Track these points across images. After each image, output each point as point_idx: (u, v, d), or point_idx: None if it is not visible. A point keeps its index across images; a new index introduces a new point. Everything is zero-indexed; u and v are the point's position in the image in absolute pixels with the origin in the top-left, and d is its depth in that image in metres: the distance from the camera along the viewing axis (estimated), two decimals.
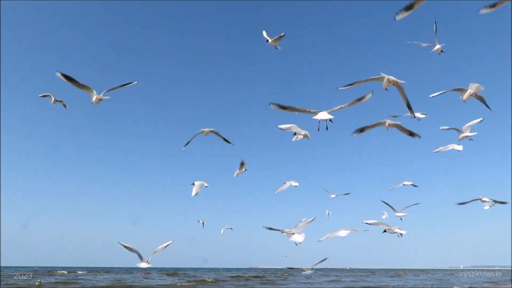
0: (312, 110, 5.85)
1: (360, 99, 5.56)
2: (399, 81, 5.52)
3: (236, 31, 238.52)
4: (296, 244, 8.06)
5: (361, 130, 6.16)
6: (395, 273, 66.69)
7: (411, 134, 6.17)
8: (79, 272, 45.74)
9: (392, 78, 5.46)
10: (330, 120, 5.82)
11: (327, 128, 6.14)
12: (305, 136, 6.77)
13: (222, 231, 14.87)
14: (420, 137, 6.16)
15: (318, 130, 5.93)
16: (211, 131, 8.96)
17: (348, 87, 5.60)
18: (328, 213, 14.99)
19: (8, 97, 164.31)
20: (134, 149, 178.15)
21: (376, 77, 5.50)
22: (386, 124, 6.14)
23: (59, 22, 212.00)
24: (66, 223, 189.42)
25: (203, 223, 14.56)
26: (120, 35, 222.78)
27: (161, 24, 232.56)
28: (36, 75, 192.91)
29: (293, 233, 7.79)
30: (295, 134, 6.67)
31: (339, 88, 5.68)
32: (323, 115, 5.78)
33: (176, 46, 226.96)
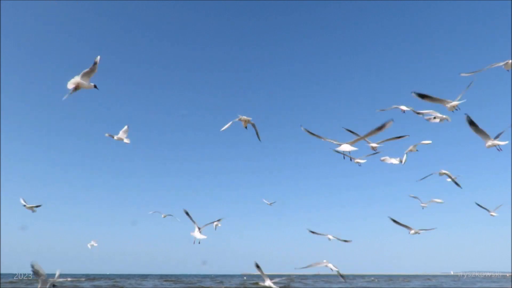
0: (334, 141, 6.00)
1: (380, 128, 5.54)
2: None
3: (236, 37, 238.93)
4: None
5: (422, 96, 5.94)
6: (396, 278, 65.68)
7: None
8: (69, 279, 44.58)
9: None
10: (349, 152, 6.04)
11: (350, 159, 6.72)
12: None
13: (89, 246, 13.48)
14: None
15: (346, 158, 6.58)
16: (249, 122, 8.34)
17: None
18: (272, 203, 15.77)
19: (8, 101, 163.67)
20: (132, 154, 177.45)
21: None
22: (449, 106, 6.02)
23: (56, 25, 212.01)
24: (64, 229, 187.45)
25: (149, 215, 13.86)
26: (118, 39, 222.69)
27: (161, 30, 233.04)
28: (36, 80, 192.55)
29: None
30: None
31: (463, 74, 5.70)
32: (346, 147, 5.93)
33: (179, 52, 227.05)
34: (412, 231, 8.77)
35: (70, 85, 5.38)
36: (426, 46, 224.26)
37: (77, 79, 5.35)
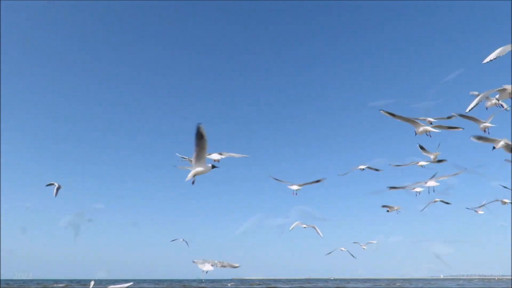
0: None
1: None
2: None
3: (237, 45, 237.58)
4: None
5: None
6: (391, 282, 65.83)
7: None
8: (61, 284, 44.32)
9: None
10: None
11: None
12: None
13: None
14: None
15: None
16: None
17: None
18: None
19: (9, 104, 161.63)
20: (131, 159, 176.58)
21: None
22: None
23: (57, 32, 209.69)
24: (64, 233, 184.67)
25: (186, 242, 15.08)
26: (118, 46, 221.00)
27: (165, 38, 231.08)
28: (37, 83, 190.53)
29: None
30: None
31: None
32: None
33: (182, 57, 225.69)
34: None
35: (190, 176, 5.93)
36: (426, 47, 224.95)
37: (193, 172, 5.92)
